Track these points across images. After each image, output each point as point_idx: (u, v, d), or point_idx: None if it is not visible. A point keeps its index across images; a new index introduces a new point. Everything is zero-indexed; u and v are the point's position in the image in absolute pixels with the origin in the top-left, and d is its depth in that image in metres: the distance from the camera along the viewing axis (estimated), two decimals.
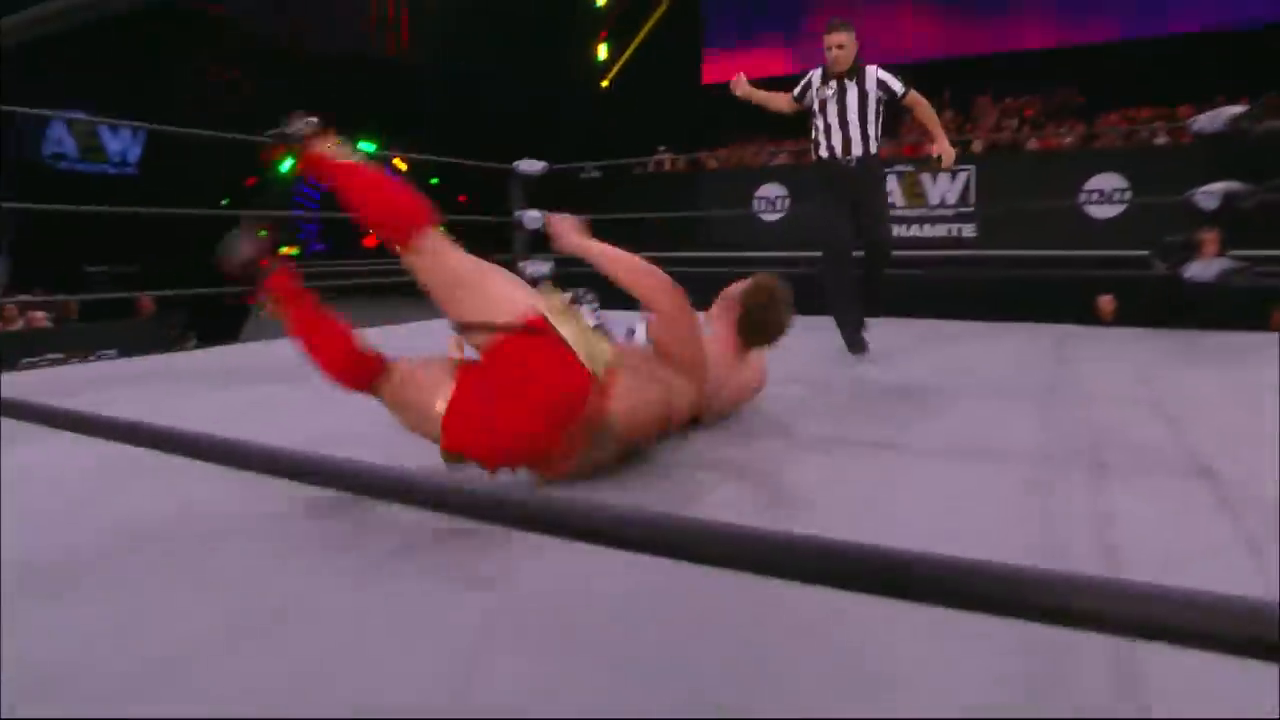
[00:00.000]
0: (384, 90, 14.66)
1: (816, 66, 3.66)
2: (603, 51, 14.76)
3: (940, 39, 11.08)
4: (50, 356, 5.43)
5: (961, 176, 7.58)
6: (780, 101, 3.80)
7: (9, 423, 1.16)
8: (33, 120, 12.08)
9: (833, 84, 3.56)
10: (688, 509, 1.60)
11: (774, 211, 8.47)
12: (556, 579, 1.25)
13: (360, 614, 1.18)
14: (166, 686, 1.00)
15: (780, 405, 2.56)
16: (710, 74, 13.20)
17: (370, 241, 16.77)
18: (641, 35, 14.09)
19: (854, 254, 3.56)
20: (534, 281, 5.96)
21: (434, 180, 16.74)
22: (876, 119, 3.56)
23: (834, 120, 3.55)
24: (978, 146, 8.17)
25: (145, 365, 3.75)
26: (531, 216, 6.00)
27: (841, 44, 3.51)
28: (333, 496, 1.48)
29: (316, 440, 2.18)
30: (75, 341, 6.26)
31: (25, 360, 5.05)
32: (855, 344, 3.49)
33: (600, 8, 14.69)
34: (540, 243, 6.29)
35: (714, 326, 2.24)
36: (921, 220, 7.81)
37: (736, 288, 2.27)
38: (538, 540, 0.66)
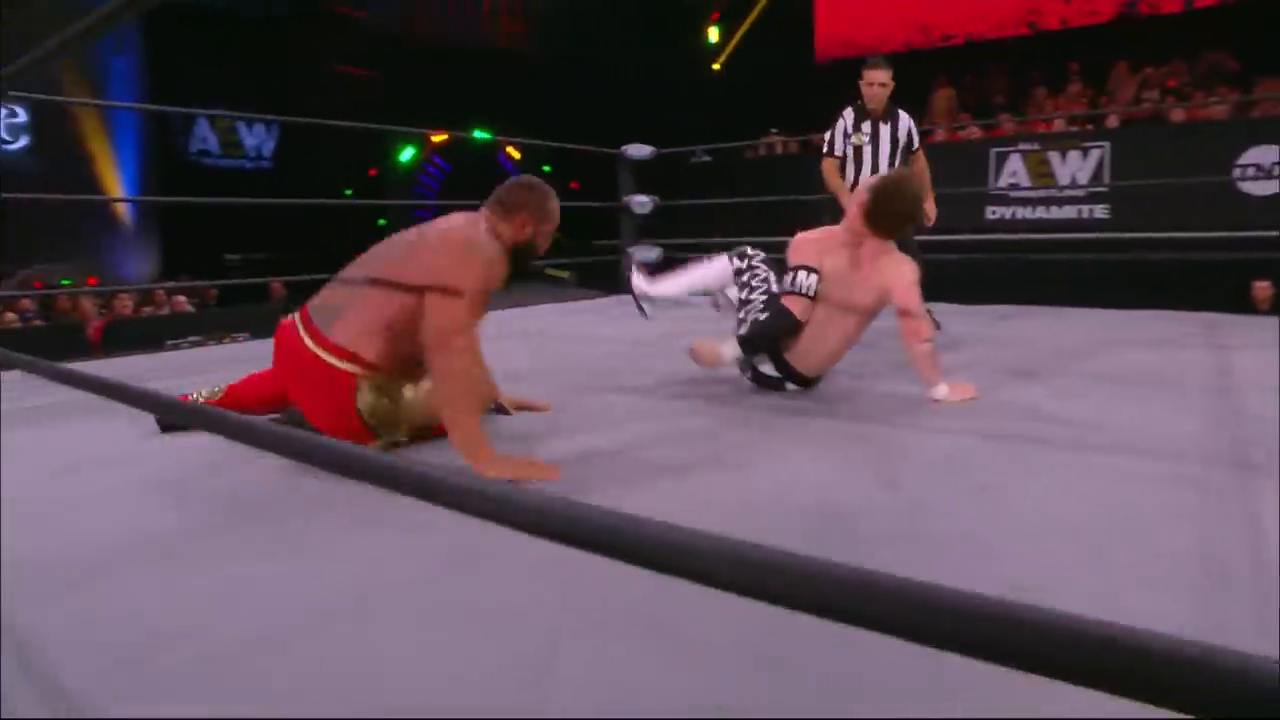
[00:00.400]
0: (498, 79, 14.98)
1: (845, 108, 3.67)
2: (714, 34, 14.61)
3: (1066, 6, 10.34)
4: (191, 339, 5.83)
5: (1094, 154, 7.03)
6: (835, 177, 3.71)
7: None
8: (181, 119, 13.05)
9: (867, 126, 3.62)
10: (791, 494, 1.54)
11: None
12: None
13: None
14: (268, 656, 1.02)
15: (903, 379, 2.44)
16: (823, 52, 12.82)
17: None
18: (753, 16, 13.83)
19: None
20: (644, 266, 6.01)
21: (546, 168, 17.04)
22: (901, 164, 3.62)
23: (867, 168, 3.61)
24: (1112, 121, 7.59)
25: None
26: (639, 201, 5.98)
27: (884, 82, 3.56)
28: None
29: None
30: (214, 325, 6.70)
31: (170, 341, 5.43)
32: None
33: None
34: (650, 228, 6.28)
35: (847, 216, 2.48)
36: (1048, 202, 7.32)
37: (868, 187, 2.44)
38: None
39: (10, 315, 6.76)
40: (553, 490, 1.06)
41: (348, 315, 1.90)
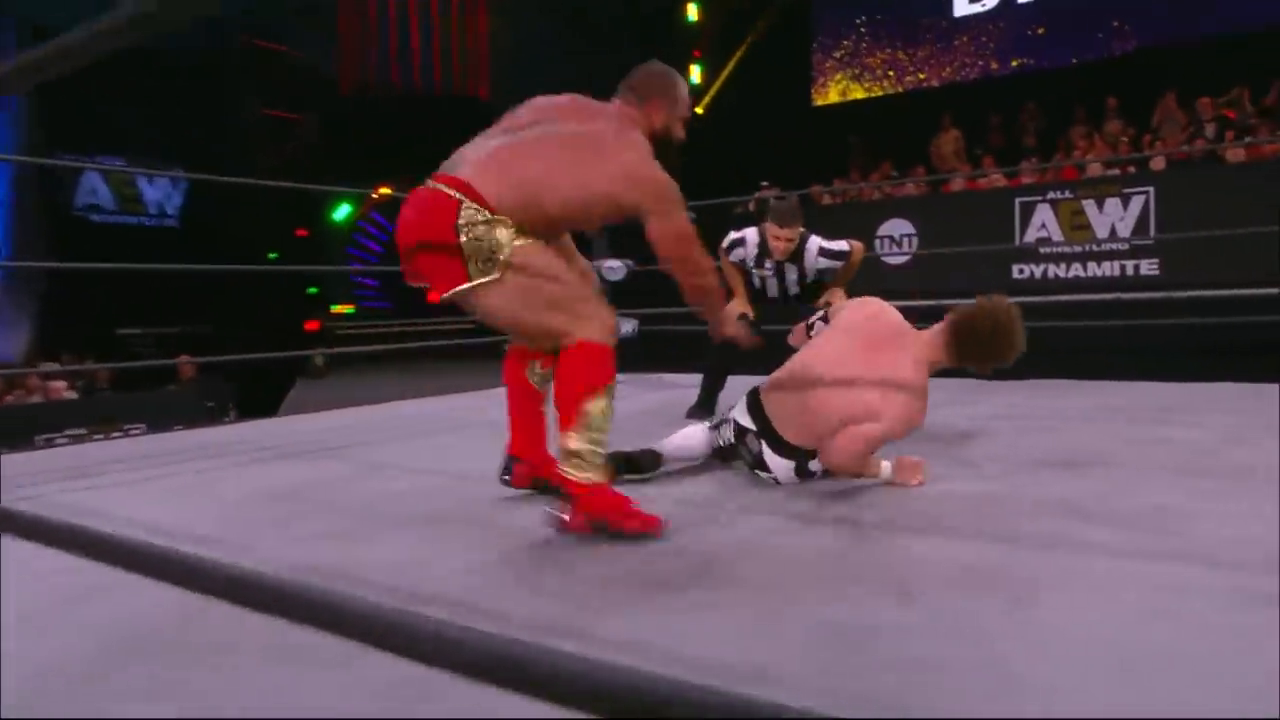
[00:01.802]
0: (450, 128, 15.28)
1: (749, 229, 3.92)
2: (696, 75, 15.01)
3: (1095, 36, 10.82)
4: (70, 433, 5.73)
5: (1137, 200, 7.22)
6: (735, 272, 3.97)
7: None
8: (66, 170, 13.06)
9: (770, 265, 3.85)
10: (796, 603, 1.51)
11: (899, 252, 8.33)
12: None
13: None
14: None
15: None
16: (821, 95, 13.22)
17: (434, 297, 17.34)
18: (740, 53, 14.27)
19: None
20: (620, 340, 6.03)
21: None
22: (816, 277, 3.89)
23: (774, 287, 3.92)
24: (1158, 163, 7.82)
25: (166, 444, 3.89)
26: (611, 266, 6.03)
27: (791, 238, 3.76)
28: None
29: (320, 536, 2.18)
30: (100, 414, 6.60)
31: (42, 437, 5.34)
32: (699, 411, 3.80)
33: (692, 24, 15.00)
34: (623, 295, 6.33)
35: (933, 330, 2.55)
36: (1086, 258, 7.48)
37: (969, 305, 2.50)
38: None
39: None
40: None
41: (477, 162, 2.12)
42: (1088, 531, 1.98)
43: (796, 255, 3.83)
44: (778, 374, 2.65)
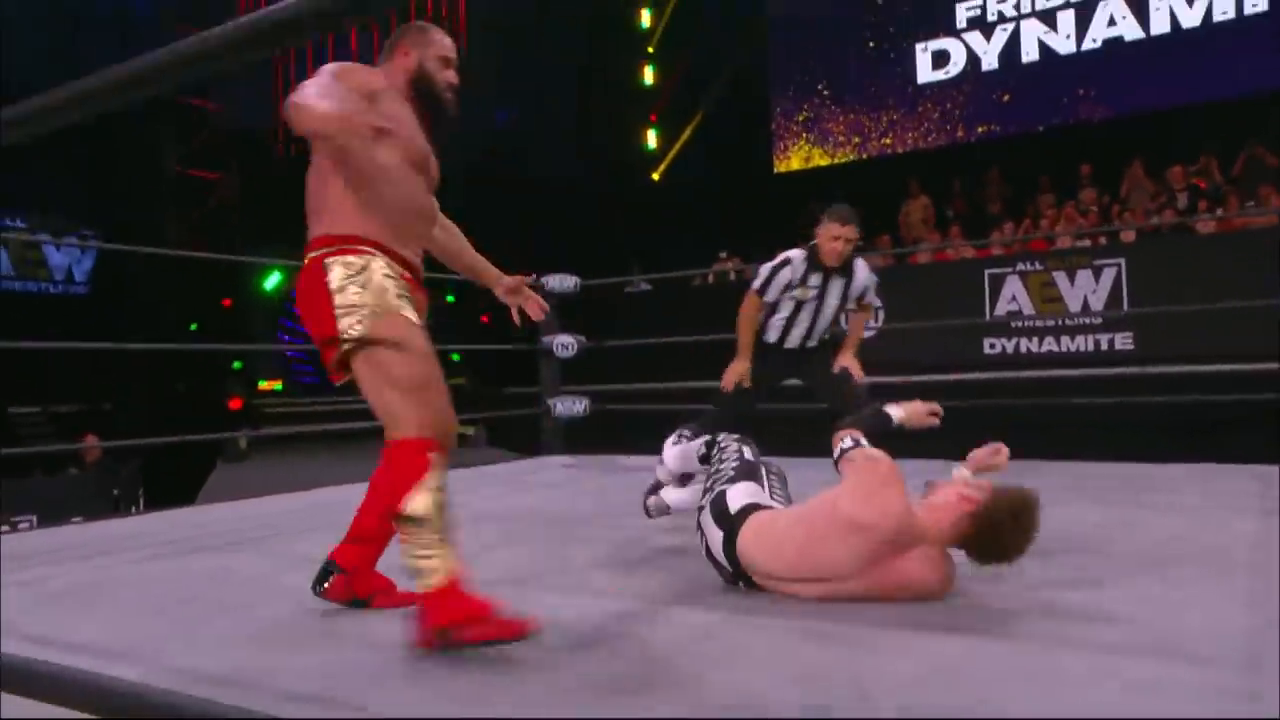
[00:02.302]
0: None
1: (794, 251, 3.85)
2: (652, 139, 15.31)
3: (1061, 103, 11.30)
4: None
5: (1109, 272, 7.48)
6: (752, 323, 3.94)
7: None
8: None
9: (816, 279, 3.81)
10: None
11: (867, 327, 8.49)
12: None
13: None
14: None
15: None
16: (781, 161, 13.55)
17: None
18: (697, 118, 14.61)
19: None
20: (567, 421, 6.04)
21: (450, 298, 17.32)
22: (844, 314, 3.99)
23: (801, 326, 3.89)
24: (1129, 235, 8.11)
25: (60, 538, 3.79)
26: (562, 343, 6.07)
27: (850, 238, 3.75)
28: None
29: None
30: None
31: None
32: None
33: (649, 88, 15.36)
34: (575, 373, 6.36)
35: (942, 497, 2.28)
36: (1059, 332, 7.69)
37: (987, 493, 2.22)
38: None
39: None
40: None
41: (314, 208, 2.14)
42: (1058, 626, 2.00)
43: (846, 269, 3.84)
44: (763, 523, 2.40)
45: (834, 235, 3.72)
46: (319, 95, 1.94)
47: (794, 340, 3.92)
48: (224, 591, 2.62)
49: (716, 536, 2.44)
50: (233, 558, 3.11)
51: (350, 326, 2.01)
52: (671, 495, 3.16)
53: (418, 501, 1.96)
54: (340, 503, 4.36)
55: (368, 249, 2.06)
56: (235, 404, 13.46)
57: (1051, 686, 1.65)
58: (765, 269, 3.90)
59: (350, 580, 2.31)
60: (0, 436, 9.74)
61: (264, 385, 15.31)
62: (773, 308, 3.90)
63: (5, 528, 5.37)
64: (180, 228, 13.81)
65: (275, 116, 15.14)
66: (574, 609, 2.30)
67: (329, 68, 2.10)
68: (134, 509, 7.36)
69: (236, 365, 14.65)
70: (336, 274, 2.03)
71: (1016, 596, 2.24)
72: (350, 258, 2.04)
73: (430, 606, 1.92)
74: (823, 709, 1.58)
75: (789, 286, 3.82)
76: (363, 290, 2.02)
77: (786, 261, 3.83)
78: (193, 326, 13.27)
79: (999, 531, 2.17)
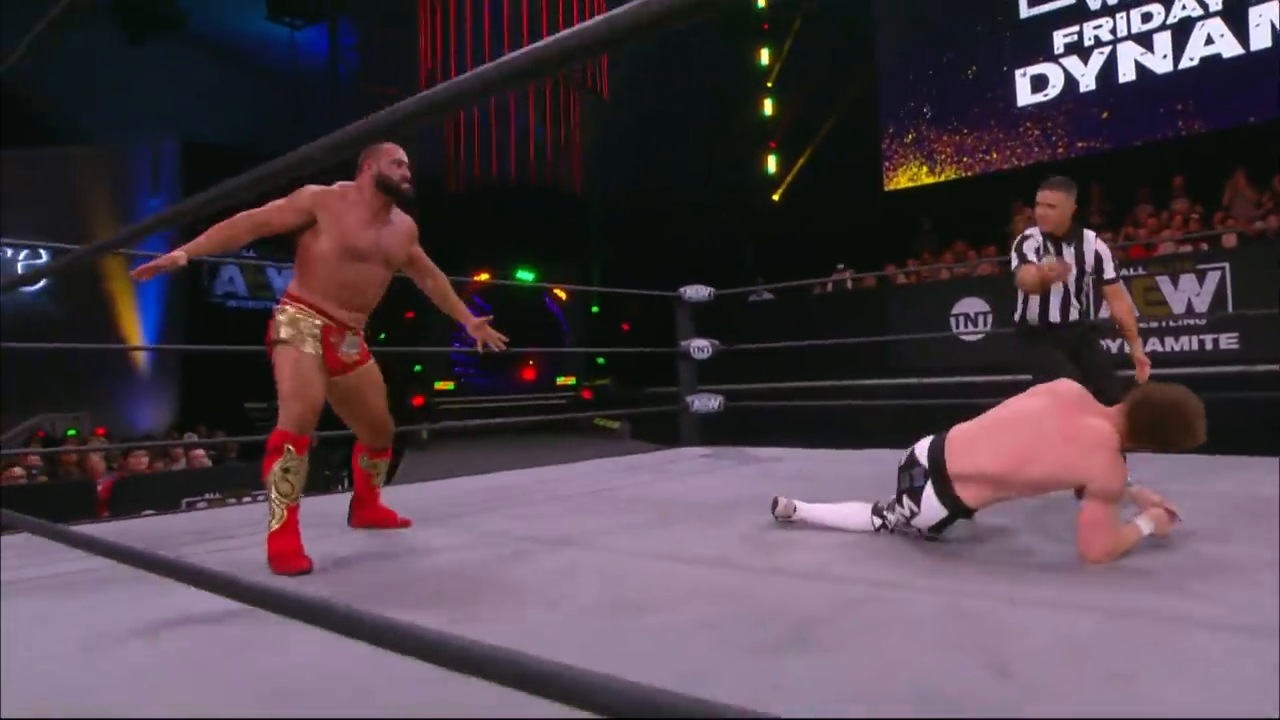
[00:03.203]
0: (543, 219, 15.76)
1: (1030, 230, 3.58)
2: (772, 164, 15.23)
3: (1159, 119, 10.64)
4: (208, 496, 5.99)
5: (1212, 276, 7.02)
6: (1036, 277, 3.53)
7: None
8: (208, 263, 13.92)
9: (1052, 245, 3.52)
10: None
11: (974, 330, 8.20)
12: None
13: None
14: None
15: (1021, 532, 2.38)
16: (891, 181, 13.23)
17: (529, 374, 17.73)
18: (813, 144, 14.44)
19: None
20: (703, 416, 6.07)
21: (595, 309, 17.60)
22: (1090, 288, 3.57)
23: (1055, 291, 3.50)
24: (1229, 240, 7.60)
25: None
26: (698, 346, 6.09)
27: (1052, 203, 3.51)
28: None
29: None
30: (234, 481, 6.87)
31: (186, 500, 5.59)
32: None
33: (768, 119, 15.29)
34: (706, 374, 6.38)
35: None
36: (1163, 333, 7.26)
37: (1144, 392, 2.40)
38: None
39: (16, 471, 7.05)
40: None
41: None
42: (1189, 607, 1.90)
43: (1075, 237, 3.55)
44: (969, 423, 2.63)
45: (1039, 200, 3.54)
46: (270, 204, 2.81)
47: (1054, 313, 3.54)
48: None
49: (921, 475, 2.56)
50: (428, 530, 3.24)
51: (273, 341, 2.81)
52: (805, 507, 2.97)
53: (271, 472, 2.67)
54: (507, 485, 4.54)
55: (296, 304, 2.83)
56: (418, 401, 14.00)
57: (1184, 663, 1.57)
58: (1015, 245, 3.62)
59: (364, 516, 3.26)
60: (238, 427, 10.45)
61: (439, 386, 15.84)
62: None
63: (247, 499, 5.76)
64: None
65: (447, 159, 15.71)
66: (725, 580, 2.31)
67: (303, 191, 2.84)
68: (339, 488, 7.75)
69: (417, 369, 15.24)
70: (278, 314, 2.83)
71: (1144, 582, 2.14)
72: (286, 306, 2.83)
73: (270, 540, 2.61)
74: (970, 687, 1.54)
75: (1037, 251, 3.52)
76: (281, 327, 2.80)
77: (1027, 236, 3.61)
78: (381, 336, 13.87)
79: (1156, 408, 2.30)
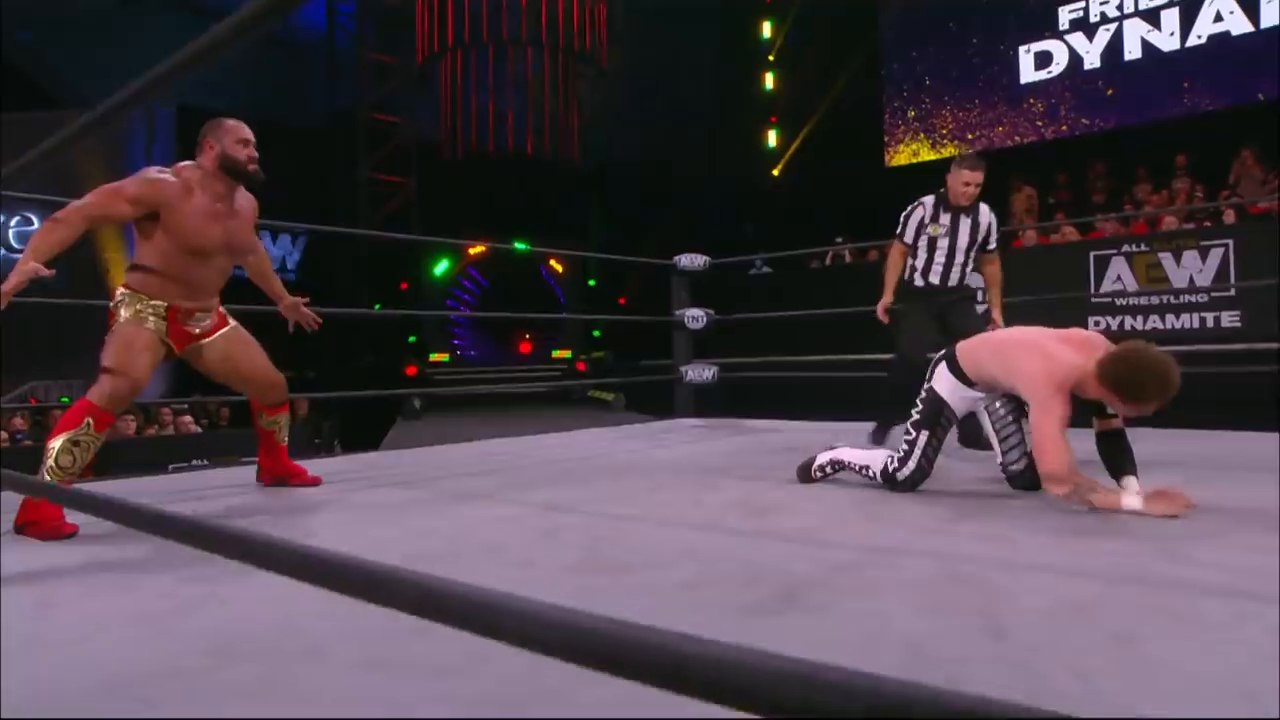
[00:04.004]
0: (541, 190, 15.59)
1: (926, 196, 3.97)
2: (773, 139, 15.05)
3: (1165, 97, 10.48)
4: (196, 462, 5.91)
5: (1215, 252, 6.90)
6: (895, 266, 4.08)
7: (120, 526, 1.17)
8: None
9: (946, 217, 3.90)
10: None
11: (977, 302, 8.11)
12: None
13: None
14: None
15: (1015, 498, 2.30)
16: (892, 157, 13.08)
17: (525, 348, 17.60)
18: (814, 119, 14.25)
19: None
20: (697, 387, 5.98)
21: (591, 282, 17.45)
22: (975, 255, 3.96)
23: (940, 259, 3.91)
24: (1231, 216, 7.49)
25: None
26: (693, 315, 6.00)
27: (979, 183, 3.83)
28: None
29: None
30: (223, 448, 6.79)
31: (173, 466, 5.51)
32: (878, 438, 3.96)
33: (769, 93, 15.10)
34: (704, 345, 6.29)
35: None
36: (1164, 310, 7.15)
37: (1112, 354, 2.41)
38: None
39: (1, 434, 6.95)
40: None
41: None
42: (1193, 574, 1.82)
43: (973, 209, 3.90)
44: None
45: (965, 181, 3.80)
46: (101, 191, 2.58)
47: (935, 276, 3.93)
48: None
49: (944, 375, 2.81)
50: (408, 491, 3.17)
51: (113, 317, 2.69)
52: (825, 454, 3.04)
53: (55, 441, 2.46)
54: (496, 452, 4.46)
55: (135, 293, 2.69)
56: (411, 371, 13.90)
57: (1189, 627, 1.49)
58: (902, 216, 4.00)
59: (269, 473, 3.19)
60: (232, 394, 10.34)
61: (434, 357, 15.72)
62: (914, 251, 3.96)
63: (238, 464, 5.68)
64: (371, 223, 14.42)
65: (444, 128, 15.53)
66: (713, 544, 2.24)
67: (138, 177, 2.65)
68: (332, 451, 7.69)
69: (412, 339, 15.13)
70: (118, 300, 2.70)
71: (1147, 547, 2.06)
72: (122, 290, 2.70)
73: (24, 509, 2.37)
74: (966, 649, 1.46)
75: (922, 224, 3.91)
76: (120, 309, 2.67)
77: (919, 204, 3.96)
78: (377, 306, 13.79)
79: (1129, 362, 2.32)
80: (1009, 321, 3.91)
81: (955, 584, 1.79)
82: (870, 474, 2.89)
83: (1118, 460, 2.55)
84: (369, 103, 15.13)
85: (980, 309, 4.28)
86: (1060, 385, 2.41)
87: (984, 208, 3.93)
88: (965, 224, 3.88)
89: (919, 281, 3.96)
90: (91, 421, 2.49)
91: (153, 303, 2.67)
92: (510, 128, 15.45)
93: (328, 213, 13.69)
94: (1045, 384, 2.42)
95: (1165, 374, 2.29)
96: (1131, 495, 2.38)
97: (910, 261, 3.99)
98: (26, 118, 12.45)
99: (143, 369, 2.61)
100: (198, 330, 2.79)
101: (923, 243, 3.93)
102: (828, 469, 3.02)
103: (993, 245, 3.99)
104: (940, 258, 3.90)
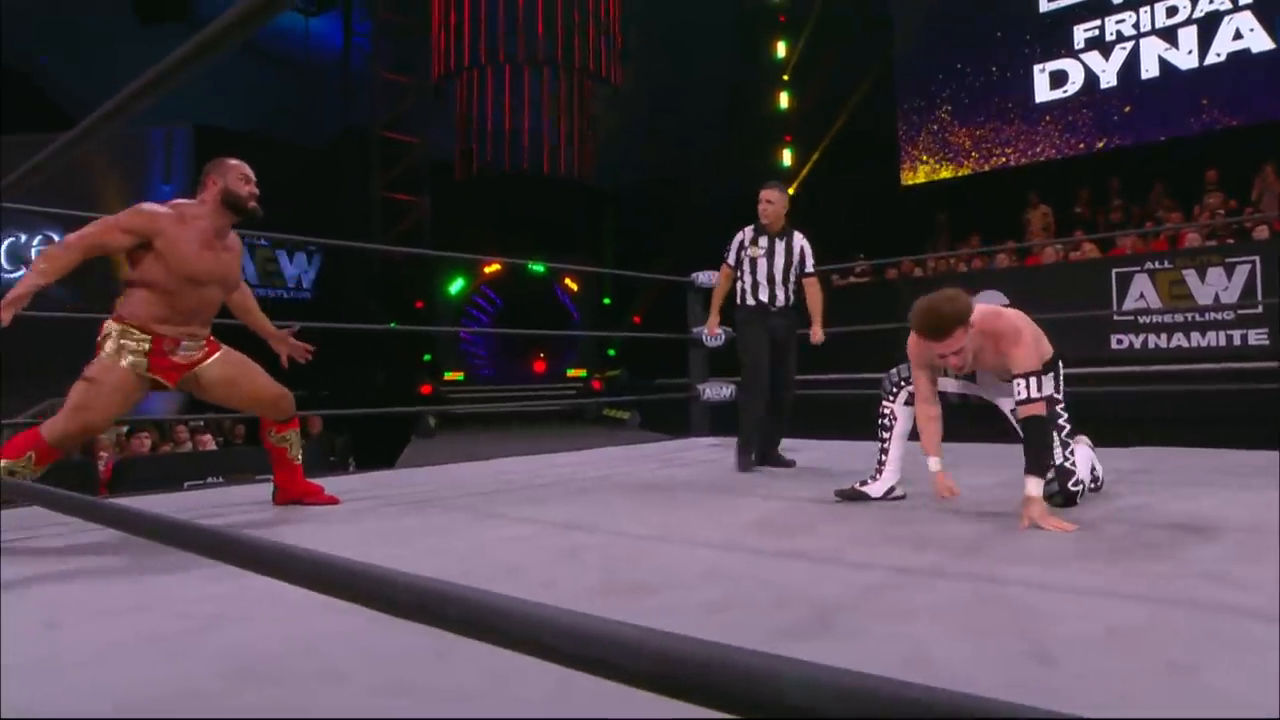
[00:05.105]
0: (556, 209, 15.62)
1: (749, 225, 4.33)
2: (787, 158, 15.03)
3: (1182, 115, 10.38)
4: (211, 479, 5.88)
5: (1242, 268, 6.80)
6: (720, 289, 4.50)
7: (143, 541, 1.13)
8: None
9: (764, 241, 4.27)
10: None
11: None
12: None
13: None
14: None
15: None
16: (909, 175, 13.03)
17: (539, 367, 17.58)
18: (829, 137, 14.23)
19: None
20: (714, 405, 5.91)
21: (606, 300, 17.45)
22: (795, 279, 4.31)
23: (762, 277, 4.25)
24: (1262, 232, 7.38)
25: None
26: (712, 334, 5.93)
27: (773, 200, 4.23)
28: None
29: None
30: (238, 465, 6.77)
31: (188, 483, 5.49)
32: (743, 465, 4.13)
33: (784, 112, 15.10)
34: (721, 362, 6.22)
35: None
36: (1188, 328, 7.05)
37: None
38: None
39: None
40: None
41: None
42: (1238, 597, 1.75)
43: (786, 234, 4.30)
44: None
45: (765, 199, 4.22)
46: (99, 222, 2.69)
47: (764, 294, 4.25)
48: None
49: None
50: (430, 510, 3.12)
51: (98, 349, 2.70)
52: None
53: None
54: (510, 470, 4.42)
55: (124, 324, 2.72)
56: (425, 390, 13.89)
57: (1243, 653, 1.43)
58: (729, 246, 4.37)
59: (284, 492, 3.14)
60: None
61: (449, 376, 15.72)
62: (740, 273, 4.31)
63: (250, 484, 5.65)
64: (384, 242, 14.46)
65: (458, 147, 15.61)
66: (737, 565, 2.18)
67: (131, 209, 2.73)
68: (347, 468, 7.66)
69: (426, 358, 15.13)
70: (105, 332, 2.72)
71: (1187, 570, 1.99)
72: (110, 323, 2.73)
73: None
74: (1009, 678, 1.40)
75: (743, 246, 4.29)
76: (106, 341, 2.70)
77: (742, 230, 4.35)
78: (392, 324, 13.79)
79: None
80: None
81: (991, 607, 1.73)
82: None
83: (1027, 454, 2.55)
84: (383, 121, 15.23)
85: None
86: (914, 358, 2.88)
87: (798, 234, 4.35)
88: (780, 247, 4.26)
89: (750, 300, 4.29)
90: (34, 455, 2.52)
91: (138, 336, 2.70)
92: (525, 146, 15.50)
93: (340, 232, 13.74)
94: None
95: (921, 304, 2.57)
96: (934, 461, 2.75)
97: (739, 284, 4.32)
98: (47, 139, 12.58)
99: (102, 410, 2.64)
100: (186, 361, 2.80)
101: (746, 265, 4.29)
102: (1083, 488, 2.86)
103: (809, 268, 4.34)
104: (763, 278, 4.25)
